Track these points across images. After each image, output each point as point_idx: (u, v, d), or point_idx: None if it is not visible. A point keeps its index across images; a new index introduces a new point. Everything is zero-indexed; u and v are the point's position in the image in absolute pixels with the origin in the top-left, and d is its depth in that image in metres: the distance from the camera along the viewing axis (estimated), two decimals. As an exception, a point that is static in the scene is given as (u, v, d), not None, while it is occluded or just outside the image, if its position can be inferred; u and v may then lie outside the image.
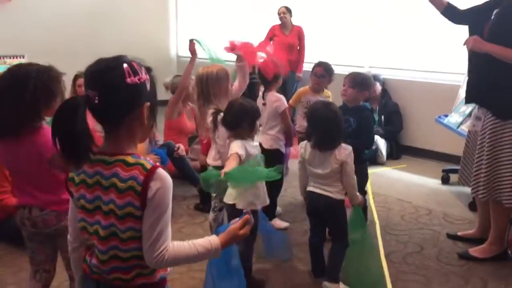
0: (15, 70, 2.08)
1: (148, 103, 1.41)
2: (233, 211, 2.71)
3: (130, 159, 1.37)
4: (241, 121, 2.71)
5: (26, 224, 2.14)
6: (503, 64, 2.89)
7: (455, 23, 3.29)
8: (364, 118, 3.25)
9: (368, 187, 4.52)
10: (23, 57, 6.96)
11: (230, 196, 2.76)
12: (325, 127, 2.73)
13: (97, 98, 1.33)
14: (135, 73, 1.36)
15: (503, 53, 2.88)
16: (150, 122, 1.44)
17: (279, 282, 2.93)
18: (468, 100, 3.31)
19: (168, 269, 1.49)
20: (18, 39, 7.12)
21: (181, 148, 4.27)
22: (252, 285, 2.80)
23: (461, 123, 4.41)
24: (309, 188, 2.85)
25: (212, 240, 1.46)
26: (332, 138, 2.74)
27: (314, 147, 2.78)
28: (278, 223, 3.62)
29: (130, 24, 8.20)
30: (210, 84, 3.11)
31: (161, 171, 1.37)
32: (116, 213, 1.36)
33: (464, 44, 3.07)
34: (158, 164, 1.40)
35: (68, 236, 1.56)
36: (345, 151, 2.73)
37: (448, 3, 3.25)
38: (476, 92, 3.13)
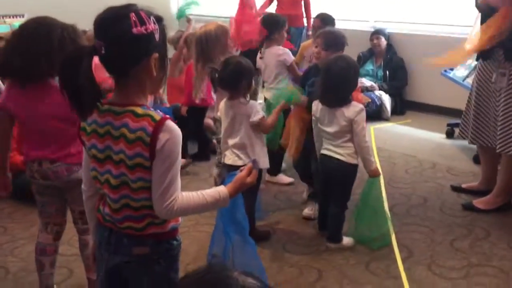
0: (40, 21, 2.07)
1: (157, 54, 1.38)
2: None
3: (139, 110, 1.37)
4: (239, 79, 2.67)
5: (36, 177, 2.14)
6: None
7: None
8: None
9: (372, 142, 4.54)
10: (23, 16, 6.88)
11: (230, 157, 2.79)
12: (332, 81, 2.67)
13: (103, 48, 1.32)
14: (142, 22, 1.33)
15: None
16: (160, 73, 1.41)
17: (284, 234, 2.98)
18: (485, 57, 3.18)
19: (180, 219, 1.51)
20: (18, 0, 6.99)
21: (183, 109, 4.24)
22: (257, 237, 2.85)
23: (467, 76, 4.37)
24: (322, 151, 2.80)
25: (220, 190, 1.47)
26: (339, 93, 2.68)
27: (323, 104, 2.74)
28: (283, 178, 3.66)
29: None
30: (210, 43, 3.07)
31: (170, 123, 1.37)
32: (126, 163, 1.37)
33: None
34: (169, 116, 1.39)
35: (82, 185, 1.57)
36: (354, 108, 2.66)
37: None
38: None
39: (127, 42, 1.32)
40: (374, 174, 2.75)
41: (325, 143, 2.78)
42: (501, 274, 2.53)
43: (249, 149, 2.72)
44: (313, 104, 2.83)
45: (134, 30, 1.32)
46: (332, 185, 2.80)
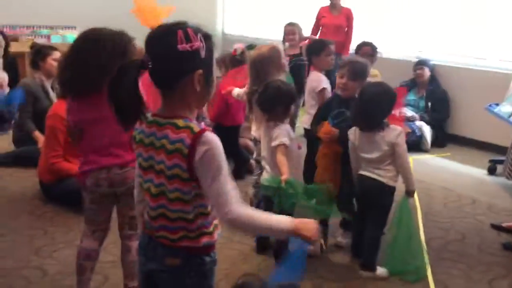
0: (88, 33, 2.17)
1: (201, 71, 1.42)
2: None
3: (180, 123, 1.41)
4: (275, 104, 2.71)
5: (103, 184, 2.17)
6: None
7: None
8: None
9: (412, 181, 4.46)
10: (75, 28, 7.16)
11: (264, 177, 2.82)
12: (367, 106, 2.66)
13: (150, 62, 1.38)
14: (188, 39, 1.38)
15: None
16: (205, 89, 1.45)
17: (318, 260, 2.95)
18: None
19: (216, 236, 1.52)
20: (70, 11, 7.29)
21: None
22: None
23: (513, 113, 4.27)
24: (360, 172, 2.78)
25: (287, 221, 1.45)
26: (375, 117, 2.67)
27: (361, 130, 2.74)
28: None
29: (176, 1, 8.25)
30: (264, 65, 3.11)
31: (208, 134, 1.39)
32: (166, 173, 1.42)
33: None
34: (208, 128, 1.43)
35: (134, 190, 1.64)
36: (394, 131, 2.67)
37: None
38: None
39: (171, 57, 1.38)
40: (412, 195, 2.79)
41: (365, 167, 2.76)
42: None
43: (278, 171, 2.69)
44: (349, 132, 2.81)
45: (179, 46, 1.37)
46: (370, 207, 2.77)
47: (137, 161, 1.52)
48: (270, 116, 2.75)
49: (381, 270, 2.75)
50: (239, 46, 4.15)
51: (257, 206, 3.23)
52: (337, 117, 2.88)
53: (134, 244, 2.18)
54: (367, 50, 4.17)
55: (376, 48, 4.26)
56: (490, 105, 4.68)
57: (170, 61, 1.38)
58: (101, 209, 2.26)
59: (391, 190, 2.72)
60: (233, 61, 4.13)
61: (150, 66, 1.39)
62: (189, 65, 1.40)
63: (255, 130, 3.22)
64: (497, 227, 3.41)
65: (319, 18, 6.46)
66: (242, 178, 4.11)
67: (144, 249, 1.54)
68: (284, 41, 5.55)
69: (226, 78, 4.02)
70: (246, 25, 8.54)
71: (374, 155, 2.70)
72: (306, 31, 6.09)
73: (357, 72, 2.96)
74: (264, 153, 2.84)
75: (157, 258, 1.50)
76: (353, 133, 2.80)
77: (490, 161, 4.65)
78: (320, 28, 6.35)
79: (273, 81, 2.87)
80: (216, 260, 1.55)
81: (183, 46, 1.37)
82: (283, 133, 2.68)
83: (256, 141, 3.22)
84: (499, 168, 4.45)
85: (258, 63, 3.12)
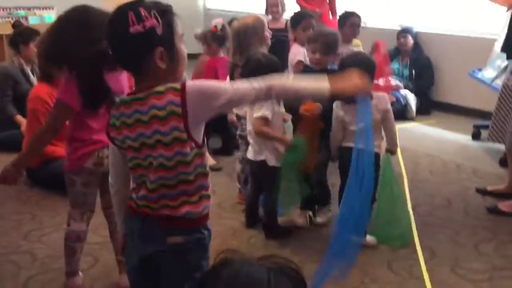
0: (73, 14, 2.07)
1: (161, 48, 1.40)
2: (257, 167, 2.81)
3: (160, 88, 1.40)
4: (257, 76, 2.66)
5: (105, 163, 2.11)
6: None
7: None
8: None
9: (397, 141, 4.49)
10: (52, 8, 7.00)
11: (249, 151, 2.83)
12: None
13: (109, 48, 1.41)
14: (140, 19, 1.36)
15: None
16: (173, 65, 1.44)
17: (305, 230, 2.98)
18: (509, 55, 3.20)
19: (211, 200, 1.52)
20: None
21: None
22: (278, 234, 2.90)
23: (496, 78, 4.29)
24: (344, 144, 2.73)
25: (322, 85, 1.56)
26: None
27: (347, 102, 2.69)
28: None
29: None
30: (247, 36, 3.07)
31: (189, 83, 1.40)
32: (163, 141, 1.40)
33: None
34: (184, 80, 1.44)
35: (110, 179, 1.60)
36: (384, 99, 2.69)
37: None
38: None
39: (125, 41, 1.38)
40: (395, 152, 2.88)
41: (351, 139, 2.66)
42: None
43: (263, 145, 2.75)
44: (334, 106, 2.78)
45: (131, 29, 1.36)
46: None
47: (124, 146, 1.48)
48: None
49: (370, 238, 2.79)
50: (219, 21, 4.04)
51: (245, 181, 3.25)
52: None
53: None
54: (355, 21, 4.15)
55: (360, 18, 4.23)
56: (473, 71, 4.70)
57: (125, 45, 1.39)
58: (93, 191, 2.24)
59: (377, 157, 2.72)
60: (215, 37, 4.06)
61: (110, 52, 1.41)
62: (145, 45, 1.39)
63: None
64: (482, 191, 3.47)
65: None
66: (231, 154, 4.12)
67: (139, 233, 1.51)
68: (266, 13, 5.49)
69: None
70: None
71: None
72: (290, 3, 6.02)
73: (330, 45, 2.93)
74: (250, 127, 2.83)
75: (157, 239, 1.48)
76: (339, 107, 2.78)
77: (474, 126, 4.69)
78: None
79: (254, 54, 2.85)
80: (211, 231, 1.56)
81: (134, 28, 1.36)
82: (265, 106, 2.66)
83: (240, 117, 3.20)
84: (483, 133, 4.49)
85: (242, 33, 3.07)
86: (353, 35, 4.12)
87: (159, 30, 1.39)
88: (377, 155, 2.70)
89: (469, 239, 2.87)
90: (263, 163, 2.76)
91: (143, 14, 1.37)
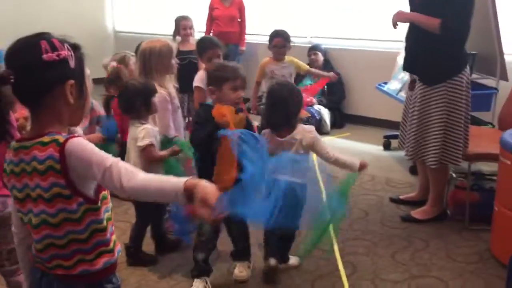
0: None
1: (72, 81, 1.32)
2: None
3: (46, 139, 1.30)
4: (134, 102, 2.70)
5: None
6: (427, 32, 3.03)
7: None
8: None
9: (314, 156, 4.58)
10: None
11: None
12: (279, 107, 2.56)
13: (11, 77, 1.26)
14: (54, 49, 1.29)
15: (423, 21, 3.04)
16: (79, 102, 1.36)
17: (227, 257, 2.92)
18: (404, 67, 3.44)
19: (116, 254, 1.42)
20: None
21: None
22: (141, 260, 2.85)
23: (400, 90, 4.52)
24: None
25: (179, 185, 1.25)
26: (287, 118, 2.56)
27: (273, 132, 2.61)
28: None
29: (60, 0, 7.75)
30: (152, 59, 3.00)
31: (73, 140, 1.29)
32: (44, 196, 1.30)
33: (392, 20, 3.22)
34: (76, 135, 1.33)
35: (13, 228, 1.48)
36: (309, 133, 2.57)
37: None
38: (409, 60, 3.27)
39: (37, 68, 1.28)
40: (364, 166, 2.62)
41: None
42: (441, 284, 2.60)
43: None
44: (262, 133, 2.68)
45: (45, 56, 1.27)
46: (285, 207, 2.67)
47: (12, 195, 1.37)
48: (133, 116, 2.75)
49: (293, 260, 2.77)
50: (112, 65, 3.76)
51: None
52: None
53: (22, 278, 2.00)
54: (277, 42, 4.19)
55: (286, 38, 4.27)
56: (379, 84, 4.93)
57: (35, 72, 1.28)
58: (4, 232, 2.04)
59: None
60: (111, 82, 3.67)
61: (12, 80, 1.26)
62: (57, 75, 1.30)
63: None
64: (395, 200, 3.61)
65: (211, 10, 6.40)
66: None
67: (37, 285, 1.40)
68: (175, 35, 5.44)
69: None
70: (137, 20, 8.25)
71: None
72: (199, 24, 6.01)
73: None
74: (128, 158, 2.76)
75: None
76: (266, 135, 2.64)
77: (385, 137, 4.90)
78: (213, 20, 6.30)
79: (129, 80, 2.92)
80: (119, 285, 1.45)
81: (48, 56, 1.27)
82: (145, 133, 2.68)
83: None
84: (393, 142, 4.70)
85: (147, 56, 3.00)
86: (277, 55, 4.17)
87: (71, 63, 1.32)
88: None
89: (387, 250, 2.95)
90: None
91: (56, 44, 1.30)
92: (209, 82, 2.46)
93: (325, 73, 4.79)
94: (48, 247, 1.34)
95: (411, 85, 3.33)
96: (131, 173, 1.27)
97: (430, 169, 3.24)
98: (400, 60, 4.46)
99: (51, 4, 7.60)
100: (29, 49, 1.29)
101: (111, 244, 1.40)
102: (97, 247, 1.37)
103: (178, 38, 5.30)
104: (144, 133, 2.68)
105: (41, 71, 1.28)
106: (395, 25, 3.22)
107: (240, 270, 2.70)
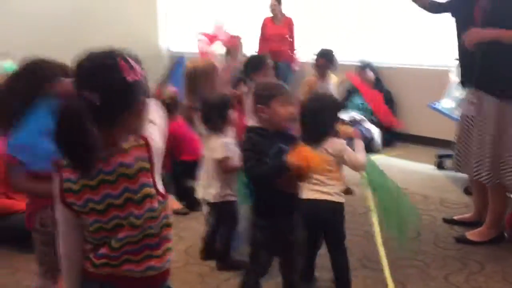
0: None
1: (146, 98, 1.39)
2: (220, 207, 2.89)
3: (123, 146, 1.35)
4: (210, 114, 2.85)
5: (49, 223, 1.97)
6: (502, 46, 2.86)
7: (436, 13, 3.31)
8: None
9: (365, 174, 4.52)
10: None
11: (200, 191, 2.95)
12: (310, 119, 2.58)
13: (98, 98, 1.26)
14: (133, 69, 1.33)
15: (510, 36, 2.84)
16: (144, 117, 1.42)
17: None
18: (468, 84, 3.24)
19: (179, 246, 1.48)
20: (1, 39, 6.93)
21: None
22: (230, 265, 2.90)
23: (455, 108, 4.41)
24: (304, 196, 2.42)
25: None
26: (318, 130, 2.57)
27: (305, 142, 2.57)
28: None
29: (116, 20, 8.04)
30: (197, 79, 3.12)
31: (149, 138, 1.39)
32: (133, 199, 1.36)
33: (465, 43, 2.97)
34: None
35: (68, 252, 1.45)
36: (338, 144, 2.56)
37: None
38: (479, 75, 3.04)
39: (123, 90, 1.31)
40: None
41: (308, 186, 2.48)
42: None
43: (207, 183, 2.88)
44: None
45: (129, 78, 1.31)
46: (327, 230, 2.62)
47: (85, 211, 1.37)
48: (210, 127, 2.88)
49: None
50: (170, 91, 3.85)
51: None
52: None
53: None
54: (321, 62, 4.29)
55: (333, 56, 4.34)
56: (433, 102, 4.82)
57: (122, 94, 1.31)
58: (52, 250, 2.13)
59: (341, 206, 2.58)
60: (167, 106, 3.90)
61: (98, 104, 1.26)
62: (137, 95, 1.35)
63: None
64: (449, 221, 3.49)
65: (263, 29, 6.52)
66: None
67: None
68: (227, 54, 5.55)
69: None
70: (191, 40, 8.47)
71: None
72: (252, 43, 6.13)
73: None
74: (206, 169, 2.90)
75: None
76: None
77: (438, 156, 4.77)
78: (266, 39, 6.41)
79: (210, 94, 3.04)
80: None
81: (132, 77, 1.31)
82: (220, 146, 2.81)
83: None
84: (447, 162, 4.56)
85: (192, 75, 3.14)
86: (320, 74, 4.24)
87: (143, 81, 1.37)
88: (334, 204, 2.54)
89: (440, 271, 2.86)
90: (226, 201, 2.86)
91: (132, 63, 1.34)
92: (256, 101, 2.33)
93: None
94: (124, 245, 1.39)
95: (476, 107, 3.10)
96: None
97: (493, 190, 3.11)
98: (453, 77, 4.36)
99: (106, 25, 7.91)
100: (111, 70, 1.30)
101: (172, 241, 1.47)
102: (164, 242, 1.44)
103: (228, 57, 5.42)
104: (220, 145, 2.81)
105: (126, 93, 1.32)
106: (470, 45, 2.95)
107: None
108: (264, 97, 2.27)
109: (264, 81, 2.86)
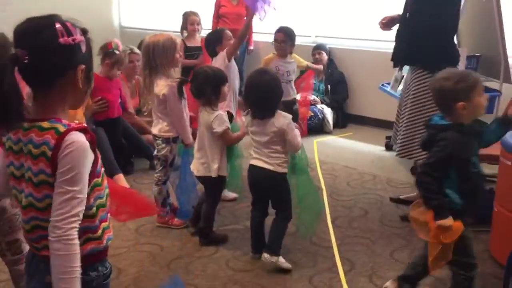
0: None
1: (83, 66, 1.35)
2: (206, 181, 2.95)
3: (45, 124, 1.31)
4: (204, 88, 2.84)
5: None
6: (427, 23, 3.17)
7: None
8: None
9: (315, 155, 4.62)
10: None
11: (193, 167, 2.97)
12: (259, 95, 2.66)
13: (26, 57, 1.26)
14: (69, 33, 1.30)
15: None
16: (85, 86, 1.38)
17: (228, 250, 2.94)
18: (399, 62, 3.47)
19: (104, 242, 1.40)
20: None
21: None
22: (214, 240, 2.99)
23: (391, 87, 4.55)
24: (251, 162, 2.77)
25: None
26: (267, 106, 2.66)
27: (254, 117, 2.72)
28: (227, 194, 3.62)
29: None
30: (156, 54, 3.04)
31: (75, 134, 1.29)
32: (33, 180, 1.32)
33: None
34: (76, 126, 1.32)
35: (17, 209, 1.56)
36: (284, 119, 2.66)
37: None
38: (408, 52, 3.33)
39: (53, 51, 1.29)
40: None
41: (255, 153, 2.75)
42: (439, 283, 2.61)
43: (210, 159, 2.89)
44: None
45: (61, 40, 1.29)
46: (271, 198, 2.82)
47: (9, 172, 1.38)
48: (203, 101, 2.89)
49: (283, 262, 2.72)
50: (116, 42, 4.16)
51: (162, 204, 3.17)
52: None
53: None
54: (279, 37, 4.25)
55: (291, 33, 4.31)
56: (382, 84, 4.93)
57: (52, 55, 1.29)
58: None
59: (283, 176, 2.72)
60: (107, 54, 4.06)
61: (26, 61, 1.26)
62: (71, 60, 1.32)
63: (154, 127, 3.16)
64: (396, 200, 3.61)
65: (218, 7, 6.42)
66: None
67: (28, 265, 1.44)
68: (182, 30, 5.46)
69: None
70: (143, 16, 8.27)
71: (263, 138, 2.68)
72: (206, 22, 6.03)
73: None
74: (202, 142, 2.92)
75: (38, 275, 1.38)
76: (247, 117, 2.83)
77: (387, 137, 4.90)
78: (220, 17, 6.31)
79: (201, 67, 3.06)
80: (107, 273, 1.45)
81: (65, 40, 1.29)
82: (219, 118, 2.84)
83: (156, 137, 3.14)
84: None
85: (151, 51, 3.05)
86: (278, 50, 4.28)
87: (83, 48, 1.34)
88: (275, 175, 2.69)
89: (385, 248, 2.96)
90: (221, 175, 2.93)
91: (70, 28, 1.31)
92: (456, 99, 2.09)
93: (315, 66, 4.96)
94: (35, 228, 1.36)
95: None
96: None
97: None
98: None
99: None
100: (44, 31, 1.29)
101: (99, 231, 1.39)
102: (85, 233, 1.35)
103: (185, 33, 5.33)
104: (218, 119, 2.83)
105: (56, 55, 1.29)
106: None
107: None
108: (464, 91, 2.09)
109: (452, 74, 2.18)
